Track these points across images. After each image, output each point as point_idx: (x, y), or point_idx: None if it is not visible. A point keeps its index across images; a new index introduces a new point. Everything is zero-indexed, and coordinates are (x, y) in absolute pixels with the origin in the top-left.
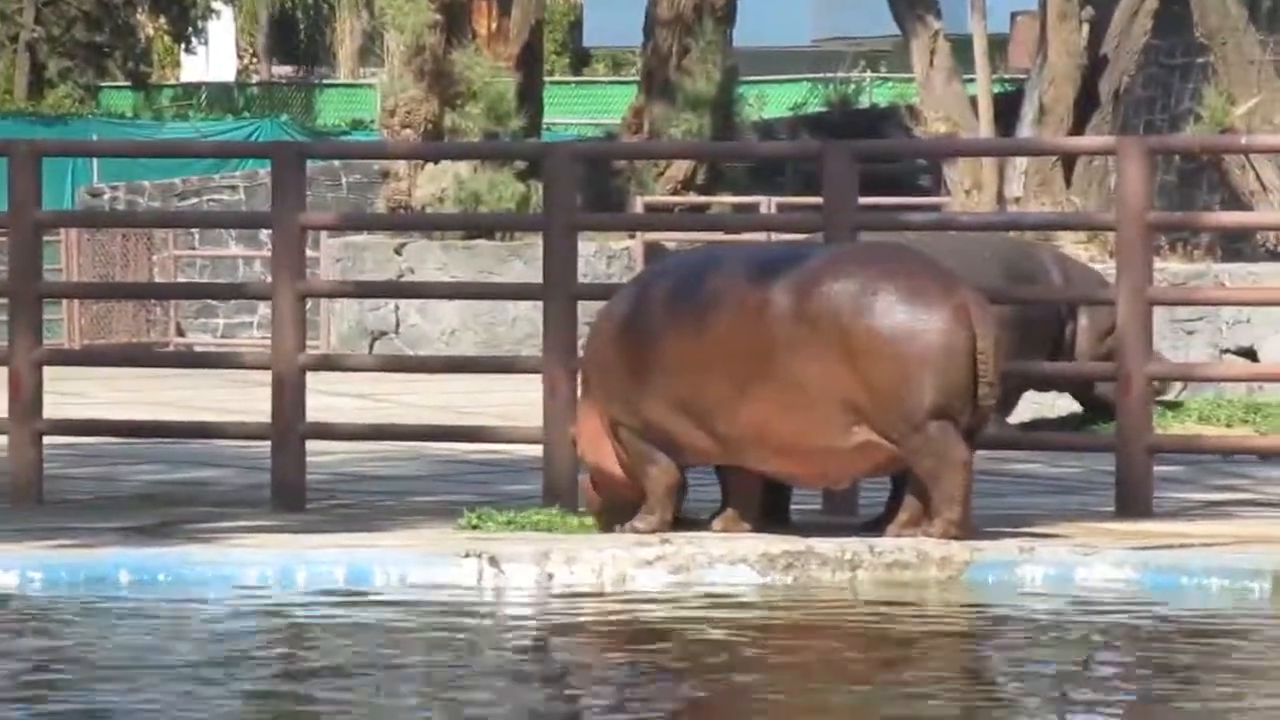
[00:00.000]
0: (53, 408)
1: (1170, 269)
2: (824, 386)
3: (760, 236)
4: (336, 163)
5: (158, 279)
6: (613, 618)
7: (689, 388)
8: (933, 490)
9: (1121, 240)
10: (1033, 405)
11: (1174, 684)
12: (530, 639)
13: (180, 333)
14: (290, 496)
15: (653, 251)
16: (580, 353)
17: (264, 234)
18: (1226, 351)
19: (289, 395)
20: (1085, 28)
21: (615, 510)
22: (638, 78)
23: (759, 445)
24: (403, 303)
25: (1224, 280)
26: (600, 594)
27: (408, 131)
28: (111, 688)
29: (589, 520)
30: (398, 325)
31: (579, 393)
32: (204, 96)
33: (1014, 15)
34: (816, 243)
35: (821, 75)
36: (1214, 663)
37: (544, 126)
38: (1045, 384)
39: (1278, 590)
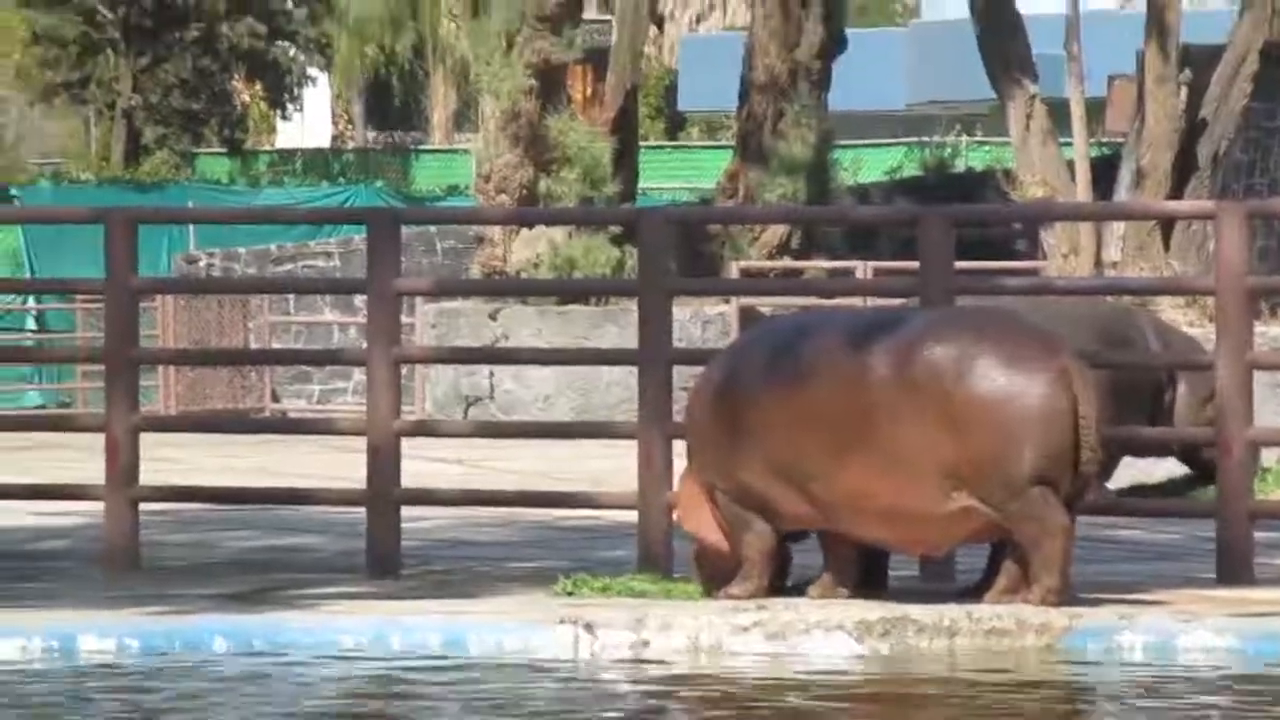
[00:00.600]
0: (149, 474)
1: (1270, 333)
2: (923, 451)
3: (856, 301)
4: (431, 228)
5: (253, 345)
6: (707, 685)
7: (786, 452)
8: (1032, 557)
9: (1221, 304)
10: (1131, 471)
11: None
12: (624, 705)
13: (275, 399)
14: (385, 562)
15: (748, 316)
16: (677, 418)
17: (359, 300)
18: None
19: (384, 461)
20: (1183, 91)
21: (720, 579)
22: (732, 142)
23: (857, 510)
24: (497, 368)
25: None
26: (695, 660)
27: (503, 197)
28: None
29: (686, 587)
30: (492, 391)
31: (686, 460)
32: (299, 162)
33: (1111, 78)
34: (915, 308)
35: (917, 139)
36: None
37: (639, 191)
38: (1144, 450)
39: None
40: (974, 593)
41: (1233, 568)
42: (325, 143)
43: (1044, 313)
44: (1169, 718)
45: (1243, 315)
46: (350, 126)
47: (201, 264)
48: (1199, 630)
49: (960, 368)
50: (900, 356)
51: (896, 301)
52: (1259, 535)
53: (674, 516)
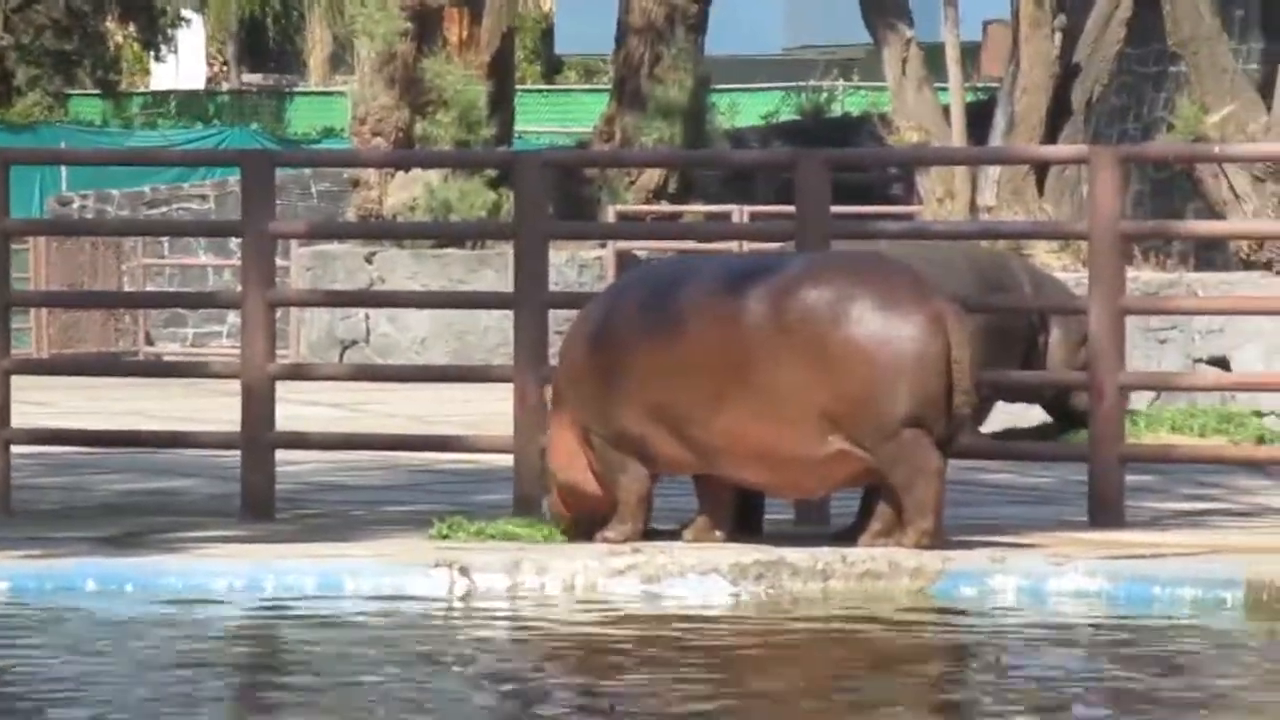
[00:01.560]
0: (20, 417)
1: (1143, 278)
2: (799, 395)
3: (732, 245)
4: (307, 171)
5: (127, 288)
6: (580, 627)
7: (663, 396)
8: (905, 500)
9: (1094, 249)
10: (1005, 416)
11: (1140, 692)
12: (497, 648)
13: (149, 342)
14: (259, 506)
15: (624, 260)
16: (552, 362)
17: (234, 243)
18: (1199, 361)
19: (258, 404)
20: (1058, 36)
21: (584, 524)
22: (609, 86)
23: (733, 454)
24: (373, 312)
25: (1197, 289)
26: (570, 603)
27: (378, 140)
28: (66, 692)
29: (560, 530)
30: (368, 334)
31: (550, 404)
32: (173, 104)
33: (986, 23)
34: (791, 252)
35: (793, 84)
36: (1182, 672)
37: (515, 135)
38: (1017, 394)
39: (1250, 599)
40: (847, 536)
41: (1104, 511)
42: (199, 85)
43: (919, 257)
44: (1038, 658)
45: (1115, 260)
46: (225, 68)
47: (75, 206)
48: (1071, 573)
49: (835, 311)
50: (776, 300)
51: (773, 246)
52: (1129, 478)
53: (546, 461)
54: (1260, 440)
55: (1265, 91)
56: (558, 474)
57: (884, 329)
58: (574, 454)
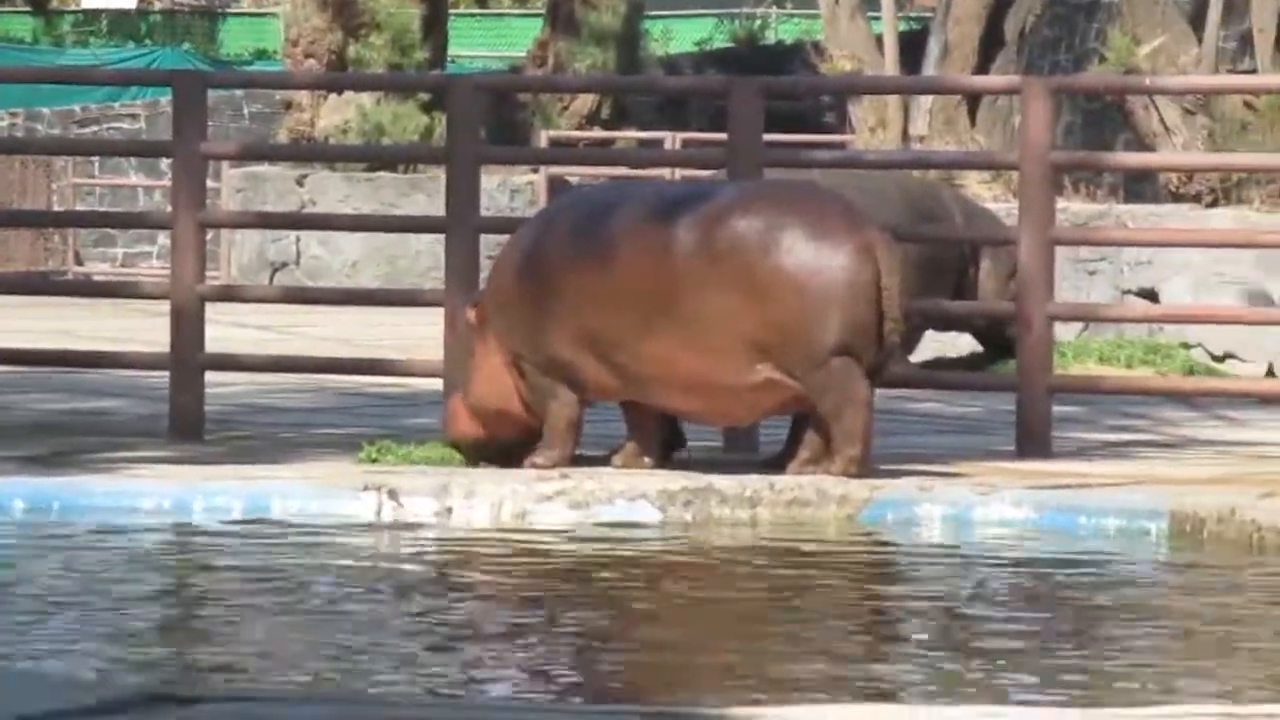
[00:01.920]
0: None
1: (1073, 209)
2: (728, 323)
3: (665, 172)
4: (239, 93)
5: (56, 207)
6: (506, 550)
7: (593, 323)
8: (834, 427)
9: (1024, 180)
10: (934, 345)
11: (1063, 621)
12: (424, 572)
13: (79, 261)
14: (189, 427)
15: (556, 186)
16: (482, 286)
17: (164, 163)
18: (1128, 293)
19: (188, 325)
20: None
21: (493, 448)
22: (543, 11)
23: (663, 382)
24: (304, 234)
25: (1126, 221)
26: (498, 527)
27: (311, 62)
28: None
29: (462, 453)
30: (299, 257)
31: (473, 327)
32: (105, 23)
33: None
34: (722, 180)
35: (727, 10)
36: (1101, 599)
37: (448, 59)
38: (948, 324)
39: (1174, 530)
40: (776, 463)
41: (1031, 441)
42: (131, 4)
43: (851, 186)
44: (958, 585)
45: (1046, 191)
46: None
47: (4, 124)
48: (997, 502)
49: (765, 239)
50: (706, 228)
51: (705, 172)
52: (1057, 409)
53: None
54: (1187, 372)
55: (1196, 24)
56: (482, 398)
57: (814, 258)
58: (498, 378)
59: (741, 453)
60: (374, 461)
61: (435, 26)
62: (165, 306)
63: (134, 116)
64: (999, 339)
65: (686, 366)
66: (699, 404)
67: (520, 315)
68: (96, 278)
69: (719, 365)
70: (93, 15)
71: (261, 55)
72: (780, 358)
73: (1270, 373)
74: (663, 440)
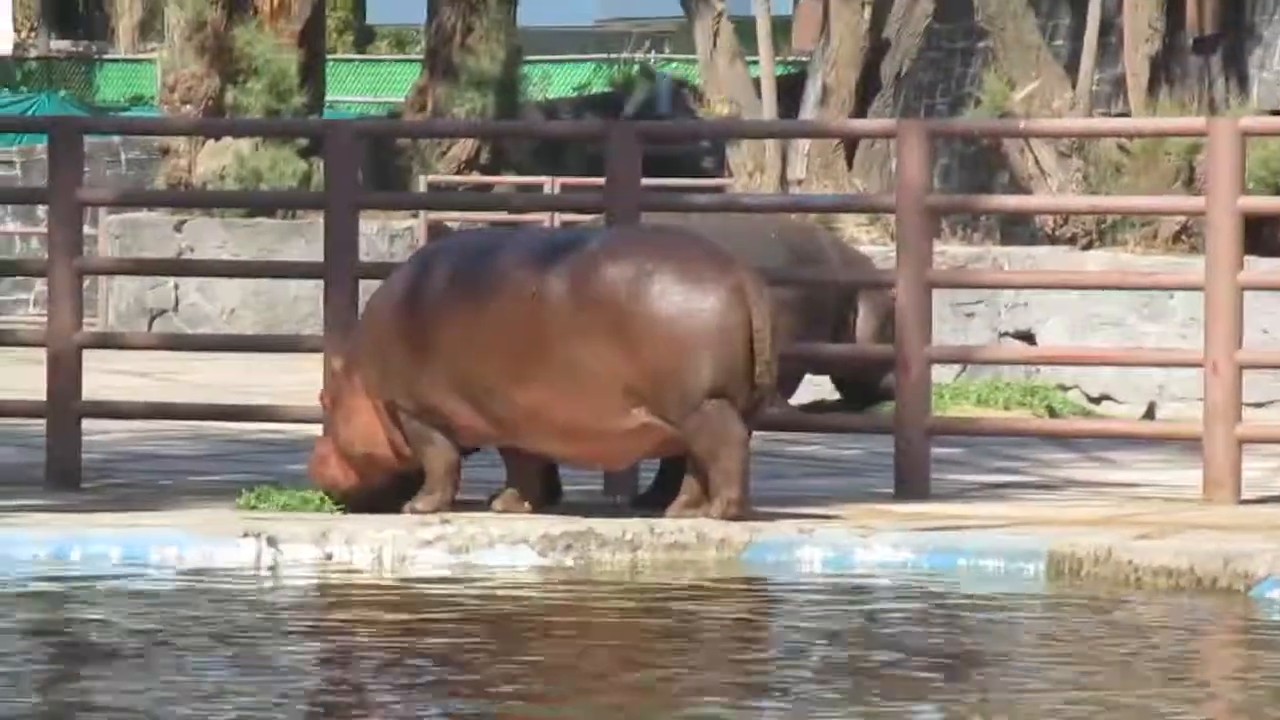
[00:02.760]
0: None
1: (950, 252)
2: (602, 369)
3: (544, 217)
4: (116, 139)
5: None
6: (386, 596)
7: (467, 370)
8: (711, 470)
9: (902, 223)
10: (813, 388)
11: (936, 660)
12: (304, 618)
13: None
14: (66, 475)
15: (435, 231)
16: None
17: (41, 210)
18: (1005, 335)
19: (65, 372)
20: (868, 11)
21: (364, 495)
22: (422, 56)
23: (537, 428)
24: (183, 281)
25: (1003, 263)
26: (379, 573)
27: (188, 107)
28: None
29: (334, 500)
30: (177, 303)
31: (342, 371)
32: None
33: None
34: (596, 227)
35: (606, 56)
36: (978, 640)
37: (327, 104)
38: (826, 367)
39: (1052, 571)
40: (644, 502)
41: (910, 483)
42: (7, 50)
43: (729, 230)
44: (840, 628)
45: (923, 234)
46: (33, 34)
47: None
48: (876, 544)
49: (635, 284)
50: (578, 274)
51: (584, 217)
52: (935, 451)
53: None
54: (1050, 412)
55: (1070, 68)
56: (350, 443)
57: (684, 302)
58: (367, 423)
59: (620, 494)
60: (254, 508)
61: (313, 72)
62: (42, 354)
63: (9, 163)
64: (860, 385)
65: (561, 412)
66: (575, 449)
67: (395, 361)
68: None
69: (593, 411)
70: None
71: (138, 101)
72: (654, 402)
73: (1149, 413)
74: (543, 485)
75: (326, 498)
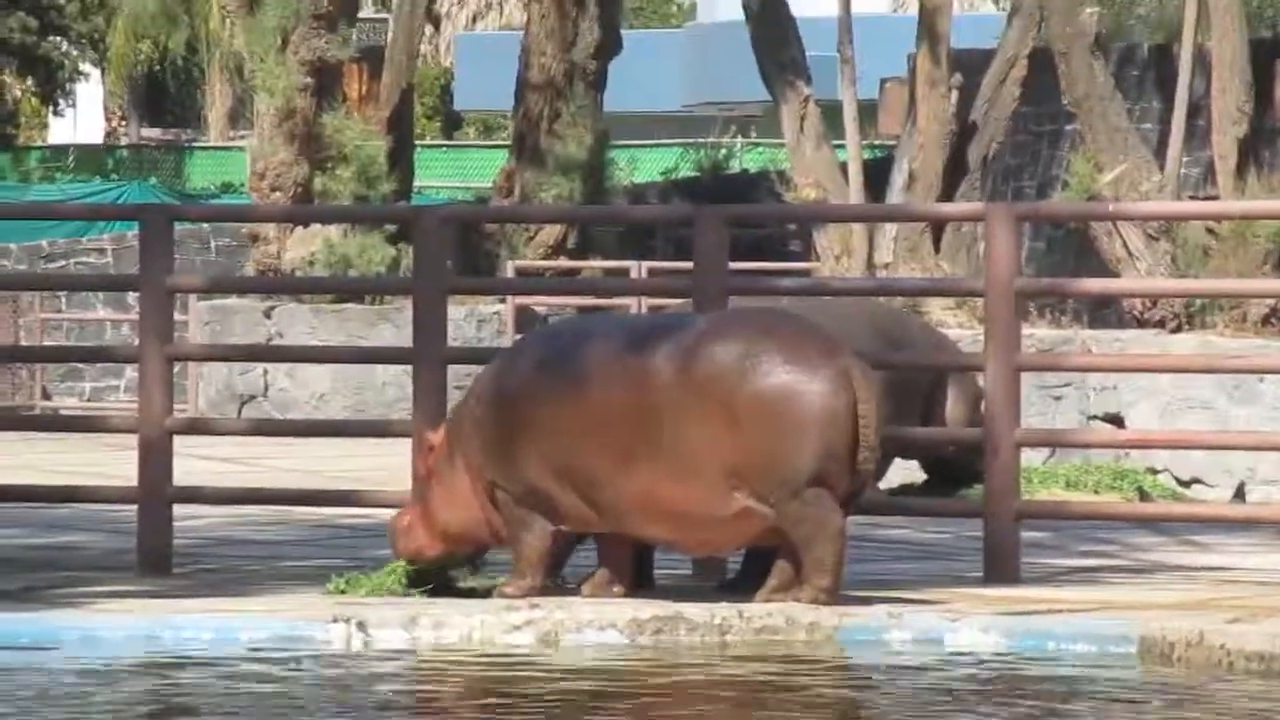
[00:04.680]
0: None
1: (1038, 335)
2: (706, 452)
3: (631, 301)
4: (205, 226)
5: (24, 342)
6: (476, 681)
7: (571, 457)
8: (805, 556)
9: (990, 306)
10: (902, 472)
11: None
12: (394, 703)
13: (46, 396)
14: (156, 561)
15: (523, 316)
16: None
17: (131, 297)
18: (1094, 418)
19: (156, 459)
20: (954, 94)
21: (437, 561)
22: (509, 142)
23: (642, 513)
24: (272, 366)
25: (1091, 346)
26: (467, 658)
27: (277, 195)
28: None
29: (462, 585)
30: (266, 389)
31: (443, 445)
32: (72, 158)
33: (883, 81)
34: (699, 312)
35: (692, 140)
36: None
37: (415, 190)
38: (914, 451)
39: (1143, 655)
40: (731, 587)
41: (999, 567)
42: (98, 139)
43: (820, 314)
44: (930, 714)
45: (1011, 317)
46: (124, 123)
47: None
48: (965, 628)
49: (742, 366)
50: (683, 357)
51: (672, 302)
52: (1024, 535)
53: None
54: (1140, 495)
55: (1159, 151)
56: (449, 522)
57: (791, 385)
58: (469, 502)
59: (708, 578)
60: (343, 592)
61: (401, 158)
62: (133, 440)
63: (101, 251)
64: (948, 468)
65: (665, 497)
66: (677, 534)
67: (497, 447)
68: (64, 412)
69: (697, 495)
70: (59, 150)
71: (228, 188)
72: (756, 485)
73: (1239, 494)
74: (635, 570)
75: (406, 568)
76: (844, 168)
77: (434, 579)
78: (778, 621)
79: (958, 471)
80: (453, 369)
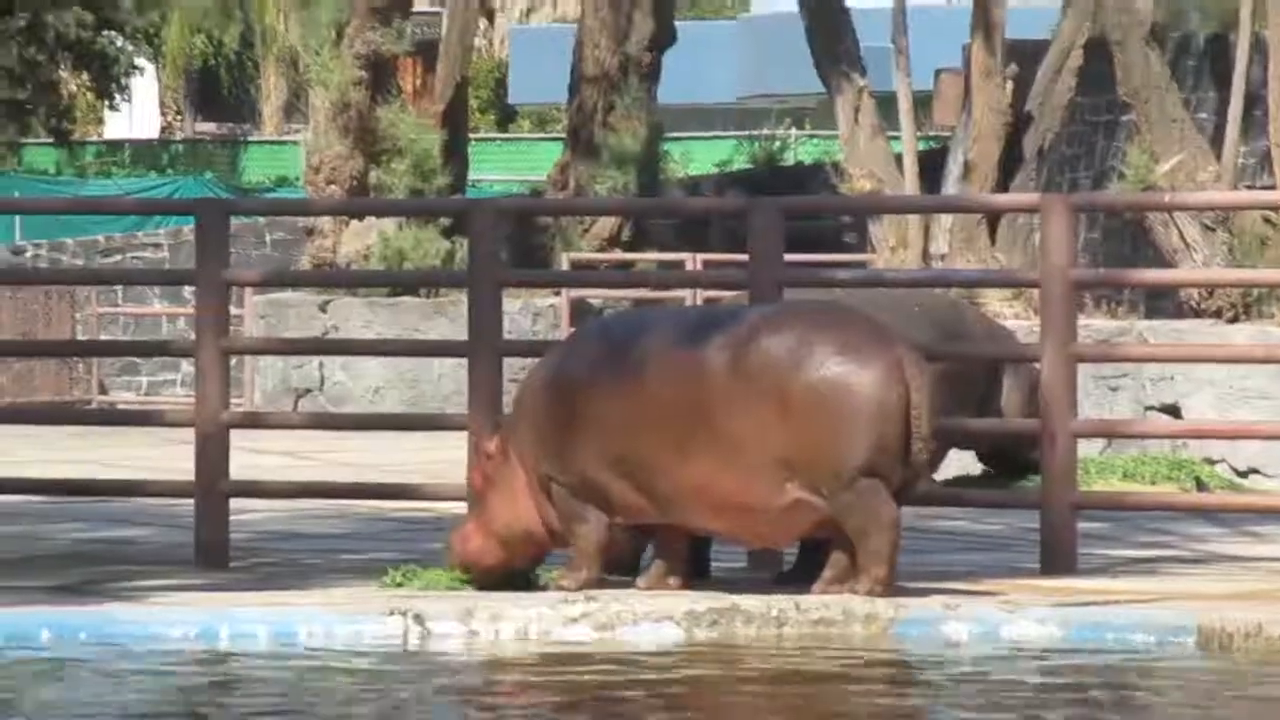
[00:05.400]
0: None
1: (1094, 326)
2: (758, 443)
3: (686, 293)
4: (261, 220)
5: (81, 337)
6: (532, 674)
7: (627, 448)
8: (860, 548)
9: (1046, 297)
10: (958, 462)
11: None
12: (451, 696)
13: (103, 390)
14: (214, 555)
15: (578, 308)
16: (506, 409)
17: (188, 291)
18: (1150, 409)
19: (212, 453)
20: (1009, 85)
21: (496, 571)
22: (563, 134)
23: (696, 504)
24: (327, 360)
25: (1148, 337)
26: (523, 651)
27: (333, 188)
28: None
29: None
30: (322, 382)
31: (498, 448)
32: (127, 153)
33: (938, 72)
34: (752, 304)
35: (747, 132)
36: (1135, 716)
37: (469, 183)
38: (970, 442)
39: (1202, 645)
40: (786, 579)
41: (1056, 558)
42: (153, 134)
43: (874, 305)
44: (990, 705)
45: (1067, 308)
46: (179, 117)
47: (28, 255)
48: (1023, 620)
49: (796, 358)
50: (737, 349)
51: (727, 294)
52: (1081, 526)
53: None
54: (1198, 485)
55: (1215, 141)
56: (510, 523)
57: (844, 376)
58: (527, 501)
59: (764, 570)
60: (399, 586)
61: (456, 151)
62: (190, 434)
63: (157, 245)
64: (1005, 460)
65: (719, 488)
66: (731, 525)
67: (552, 439)
68: (121, 406)
69: (750, 486)
70: (115, 145)
71: (283, 182)
72: (809, 477)
73: None
74: (691, 562)
75: (460, 575)
76: (899, 159)
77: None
78: (834, 613)
79: (1014, 463)
80: (508, 362)
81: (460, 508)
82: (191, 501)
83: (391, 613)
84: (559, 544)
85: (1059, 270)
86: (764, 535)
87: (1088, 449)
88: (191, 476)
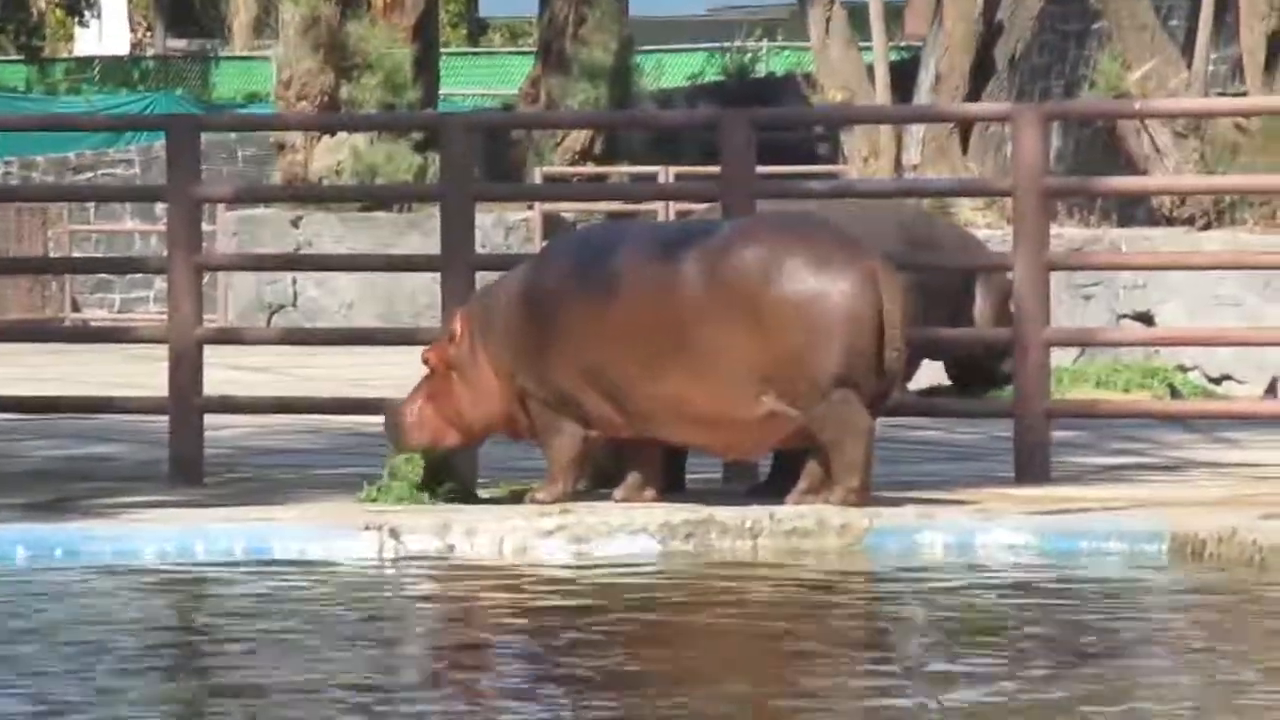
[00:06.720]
0: None
1: (1067, 235)
2: (732, 354)
3: (658, 205)
4: (232, 136)
5: (52, 254)
6: (508, 587)
7: (600, 360)
8: (834, 458)
9: (1018, 206)
10: (931, 372)
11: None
12: (426, 609)
13: (76, 308)
14: (188, 471)
15: (551, 222)
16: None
17: (160, 208)
18: (1123, 317)
19: (186, 369)
20: None
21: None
22: (535, 48)
23: (671, 417)
24: (300, 275)
25: (1120, 245)
26: (499, 564)
27: (303, 103)
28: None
29: (495, 492)
30: (295, 298)
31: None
32: (97, 70)
33: None
34: (727, 216)
35: (718, 44)
36: (1106, 623)
37: (440, 97)
38: (943, 352)
39: (1175, 552)
40: (760, 491)
41: (1030, 467)
42: (124, 50)
43: (846, 216)
44: (963, 612)
45: (1040, 217)
46: (149, 34)
47: None
48: (997, 528)
49: (767, 269)
50: (709, 261)
51: (699, 206)
52: (1055, 434)
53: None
54: (1171, 393)
55: (1186, 48)
56: (473, 417)
57: (816, 287)
58: (491, 399)
59: (739, 482)
60: (374, 501)
61: (427, 66)
62: (163, 351)
63: (128, 162)
64: (977, 369)
65: (693, 400)
66: (706, 437)
67: (528, 353)
68: (94, 324)
69: (724, 398)
70: (85, 62)
71: (254, 98)
72: (783, 388)
73: (1270, 390)
74: (666, 474)
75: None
76: (870, 70)
77: (447, 476)
78: (809, 524)
79: (983, 375)
80: (481, 275)
81: None
82: (165, 418)
83: (367, 527)
84: (520, 438)
85: (1031, 178)
86: (739, 447)
87: (1061, 357)
88: (165, 393)
